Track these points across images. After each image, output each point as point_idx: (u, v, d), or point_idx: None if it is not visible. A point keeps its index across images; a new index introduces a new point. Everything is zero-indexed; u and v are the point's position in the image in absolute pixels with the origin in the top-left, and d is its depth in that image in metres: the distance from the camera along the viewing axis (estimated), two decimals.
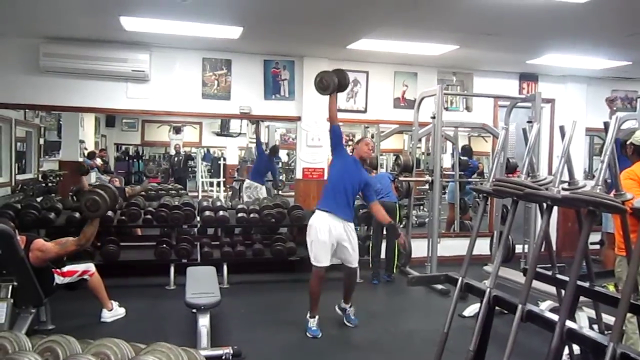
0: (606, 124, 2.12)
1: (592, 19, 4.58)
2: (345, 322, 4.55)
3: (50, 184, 7.84)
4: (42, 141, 9.00)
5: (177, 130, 13.09)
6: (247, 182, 8.71)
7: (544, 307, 3.84)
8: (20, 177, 7.75)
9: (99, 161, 10.50)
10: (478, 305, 2.42)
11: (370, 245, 6.19)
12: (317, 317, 4.34)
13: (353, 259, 4.41)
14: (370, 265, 6.12)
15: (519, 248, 6.21)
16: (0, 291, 3.69)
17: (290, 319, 4.59)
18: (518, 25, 4.96)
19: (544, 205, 2.21)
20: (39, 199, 6.50)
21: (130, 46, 5.91)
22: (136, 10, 4.70)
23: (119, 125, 13.68)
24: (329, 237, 4.26)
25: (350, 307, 4.58)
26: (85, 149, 9.90)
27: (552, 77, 7.46)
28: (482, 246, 5.98)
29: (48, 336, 2.50)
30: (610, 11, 4.32)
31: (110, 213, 5.79)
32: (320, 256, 4.28)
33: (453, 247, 6.51)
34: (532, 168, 2.48)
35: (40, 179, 8.01)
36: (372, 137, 7.50)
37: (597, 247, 6.15)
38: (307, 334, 4.28)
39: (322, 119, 6.59)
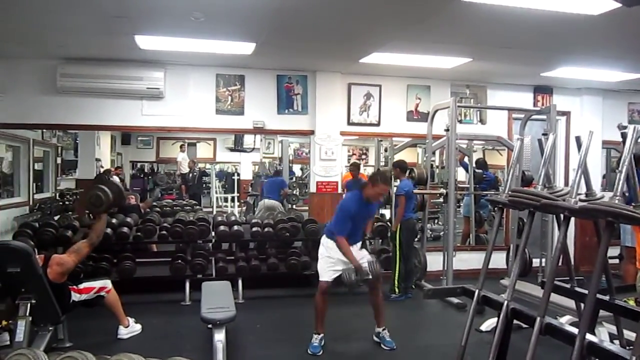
0: (623, 135, 2.09)
1: (607, 30, 4.55)
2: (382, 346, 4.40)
3: (67, 203, 7.94)
4: (59, 160, 9.12)
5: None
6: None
7: (563, 322, 3.77)
8: (38, 196, 7.84)
9: (115, 179, 10.60)
10: (495, 319, 2.38)
11: (397, 258, 5.99)
12: (322, 334, 4.30)
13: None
14: (397, 279, 6.00)
15: (535, 262, 6.12)
16: (19, 309, 3.73)
17: (306, 334, 4.51)
18: (532, 38, 4.95)
19: (562, 216, 2.19)
20: (56, 218, 6.58)
21: (145, 64, 6.00)
22: (151, 29, 4.78)
23: (135, 143, 13.83)
24: (335, 254, 4.28)
25: (384, 329, 4.45)
26: (102, 167, 10.01)
27: (567, 90, 7.41)
28: (498, 260, 5.91)
29: (65, 352, 2.52)
30: (626, 22, 4.28)
31: (126, 229, 5.84)
32: (322, 270, 4.32)
33: (469, 260, 6.45)
34: (548, 179, 2.45)
35: (57, 197, 8.11)
36: (386, 150, 7.48)
37: (617, 261, 6.04)
38: (308, 350, 4.22)
39: (336, 133, 6.64)
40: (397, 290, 5.97)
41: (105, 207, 4.27)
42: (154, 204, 9.41)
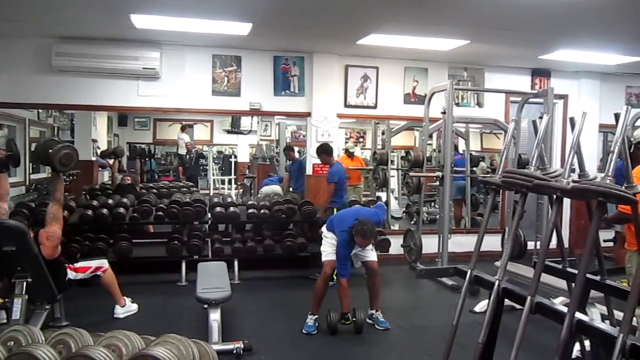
0: (617, 115, 2.09)
1: (605, 12, 4.52)
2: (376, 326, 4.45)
3: (63, 183, 7.92)
4: None
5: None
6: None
7: (556, 303, 3.80)
8: (34, 176, 7.84)
9: (112, 160, 10.56)
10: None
11: None
12: (317, 315, 4.37)
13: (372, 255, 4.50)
14: None
15: (530, 245, 6.15)
16: (15, 287, 3.74)
17: (301, 314, 4.55)
18: (530, 20, 4.91)
19: (554, 197, 2.19)
20: None
21: (141, 44, 5.95)
22: (146, 7, 4.74)
23: (131, 124, 13.76)
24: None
25: (377, 311, 4.52)
26: (98, 148, 9.97)
27: (565, 73, 7.38)
28: (494, 242, 5.93)
29: (60, 329, 2.54)
30: (624, 4, 4.27)
31: (122, 210, 5.85)
32: (327, 251, 4.42)
33: (464, 243, 6.49)
34: (541, 160, 2.45)
35: None
36: (383, 133, 7.47)
37: (611, 244, 6.07)
38: (303, 329, 4.29)
39: (332, 115, 6.63)
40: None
41: (74, 164, 4.28)
42: (151, 185, 9.43)
